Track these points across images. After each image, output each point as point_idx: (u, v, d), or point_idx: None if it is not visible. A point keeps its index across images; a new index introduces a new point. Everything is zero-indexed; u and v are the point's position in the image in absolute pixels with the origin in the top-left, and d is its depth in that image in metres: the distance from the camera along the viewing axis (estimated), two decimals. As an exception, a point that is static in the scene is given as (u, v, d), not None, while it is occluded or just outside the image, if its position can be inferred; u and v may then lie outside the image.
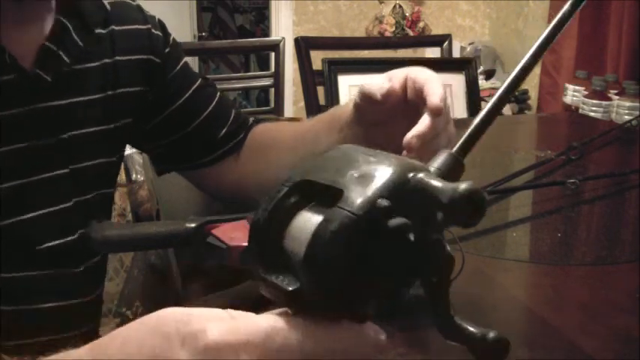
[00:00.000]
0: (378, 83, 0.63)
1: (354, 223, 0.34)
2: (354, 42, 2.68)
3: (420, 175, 0.35)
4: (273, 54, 1.98)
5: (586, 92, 2.13)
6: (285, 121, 0.90)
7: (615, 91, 2.04)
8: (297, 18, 3.36)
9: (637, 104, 1.92)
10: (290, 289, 0.35)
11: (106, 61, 0.73)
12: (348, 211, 0.34)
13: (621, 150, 1.36)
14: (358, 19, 3.41)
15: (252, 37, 4.20)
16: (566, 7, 0.42)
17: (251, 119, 0.89)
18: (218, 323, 0.32)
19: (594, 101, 2.03)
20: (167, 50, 0.81)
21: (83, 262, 0.72)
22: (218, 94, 0.86)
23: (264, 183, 0.79)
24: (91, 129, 0.72)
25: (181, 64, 0.83)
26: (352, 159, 0.39)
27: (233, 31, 4.72)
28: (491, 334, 0.35)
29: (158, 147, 0.85)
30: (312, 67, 1.82)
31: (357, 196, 0.35)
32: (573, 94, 2.24)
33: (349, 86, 1.78)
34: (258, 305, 0.62)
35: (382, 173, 0.36)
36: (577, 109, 2.13)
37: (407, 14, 3.44)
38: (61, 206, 0.69)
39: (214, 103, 0.84)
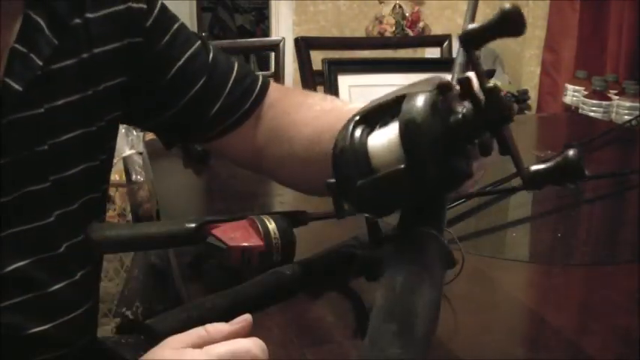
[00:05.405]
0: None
1: (434, 94, 0.40)
2: (354, 42, 2.67)
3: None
4: (273, 54, 1.97)
5: (586, 92, 2.12)
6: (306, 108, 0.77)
7: (615, 91, 2.04)
8: (297, 18, 3.35)
9: (637, 104, 1.92)
10: (402, 166, 0.40)
11: (84, 55, 0.65)
12: (425, 90, 0.41)
13: (621, 150, 1.36)
14: (358, 19, 3.40)
15: (252, 37, 4.19)
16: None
17: (260, 79, 0.80)
18: None
19: (594, 101, 2.03)
20: (150, 23, 0.71)
21: (78, 270, 0.67)
22: (211, 61, 0.76)
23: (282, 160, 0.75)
24: (73, 133, 0.65)
25: (171, 32, 0.73)
26: (394, 89, 0.45)
27: (233, 31, 4.71)
28: (570, 152, 0.38)
29: (153, 126, 0.78)
30: (312, 67, 1.82)
31: (422, 88, 0.41)
32: (573, 94, 2.24)
33: (349, 86, 1.78)
34: (258, 305, 0.62)
35: (427, 82, 0.42)
36: (577, 109, 2.13)
37: (407, 14, 3.43)
38: (42, 222, 0.63)
39: (206, 75, 0.75)
